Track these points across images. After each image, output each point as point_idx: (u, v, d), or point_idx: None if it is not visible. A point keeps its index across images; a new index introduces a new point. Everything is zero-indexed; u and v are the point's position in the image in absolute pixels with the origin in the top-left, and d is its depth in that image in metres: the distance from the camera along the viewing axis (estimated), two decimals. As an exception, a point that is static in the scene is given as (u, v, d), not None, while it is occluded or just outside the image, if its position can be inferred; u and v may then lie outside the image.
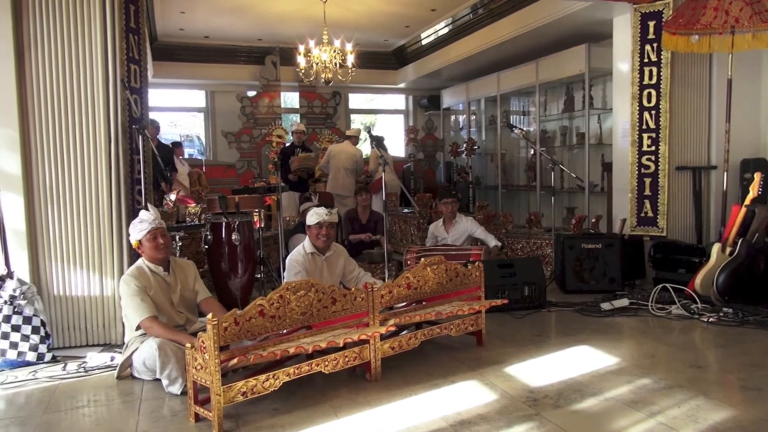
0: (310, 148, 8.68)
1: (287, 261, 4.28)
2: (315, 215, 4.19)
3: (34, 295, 3.85)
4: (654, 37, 5.51)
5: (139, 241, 3.57)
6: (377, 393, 3.16)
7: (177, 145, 8.54)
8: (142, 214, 3.61)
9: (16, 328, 3.73)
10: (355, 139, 8.72)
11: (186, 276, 3.74)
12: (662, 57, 5.50)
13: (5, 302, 3.72)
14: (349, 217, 6.44)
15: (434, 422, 2.79)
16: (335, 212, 4.34)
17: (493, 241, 5.59)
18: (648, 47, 5.57)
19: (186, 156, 9.72)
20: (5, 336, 3.71)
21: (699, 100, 5.61)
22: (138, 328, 3.43)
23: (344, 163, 8.23)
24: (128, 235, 4.08)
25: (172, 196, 5.74)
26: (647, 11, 5.54)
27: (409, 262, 5.22)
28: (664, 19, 5.39)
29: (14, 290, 3.75)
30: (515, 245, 6.26)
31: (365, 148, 12.56)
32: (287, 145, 9.02)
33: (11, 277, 3.81)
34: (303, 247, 4.28)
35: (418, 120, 12.00)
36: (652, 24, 5.53)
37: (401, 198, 8.61)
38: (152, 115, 7.20)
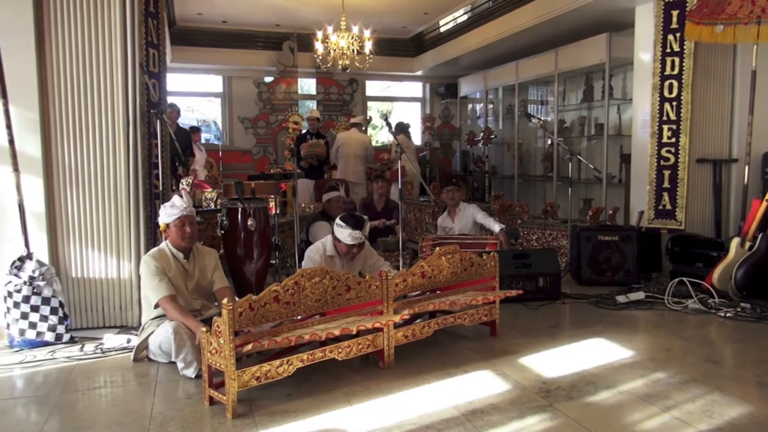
0: (325, 136, 8.67)
1: (306, 254, 4.26)
2: (350, 237, 4.02)
3: (53, 276, 3.90)
4: (677, 26, 5.41)
5: (167, 225, 3.59)
6: (390, 381, 3.17)
7: (195, 130, 8.58)
8: (175, 199, 3.62)
9: (35, 309, 3.79)
10: (360, 126, 8.72)
11: (206, 264, 3.75)
12: (685, 47, 5.40)
13: (24, 283, 3.77)
14: (364, 204, 6.44)
15: (446, 411, 2.79)
16: (367, 228, 4.18)
17: (496, 226, 5.50)
18: (671, 37, 5.47)
19: (203, 141, 9.77)
20: (24, 316, 3.77)
21: (722, 91, 5.51)
22: (156, 306, 3.46)
23: (354, 151, 8.22)
24: (149, 217, 4.14)
25: (189, 180, 5.78)
26: (671, 0, 5.44)
27: (424, 250, 5.21)
28: (688, 9, 5.27)
29: (33, 271, 3.81)
30: (531, 236, 6.22)
31: (382, 135, 12.55)
32: (303, 132, 9.03)
33: (30, 258, 3.86)
34: (324, 247, 4.21)
35: (435, 108, 11.93)
36: (675, 13, 5.43)
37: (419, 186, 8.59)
38: (171, 100, 7.24)
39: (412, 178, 8.17)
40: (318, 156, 8.02)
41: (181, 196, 3.64)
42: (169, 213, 3.58)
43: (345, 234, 4.05)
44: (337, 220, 4.12)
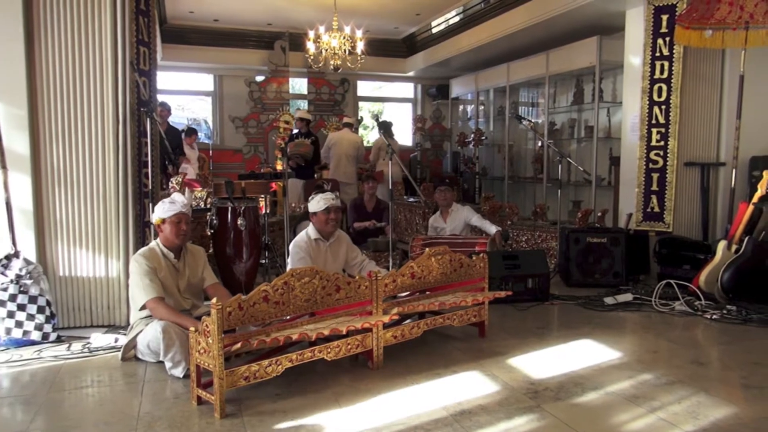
0: (315, 135, 8.65)
1: (291, 247, 4.28)
2: (322, 201, 4.16)
3: (40, 275, 3.88)
4: (667, 30, 5.45)
5: (163, 220, 3.55)
6: (379, 381, 3.17)
7: (191, 132, 8.58)
8: (176, 196, 3.62)
9: (21, 308, 3.76)
10: (352, 126, 8.70)
11: (196, 263, 3.74)
12: (674, 51, 5.45)
13: (11, 281, 3.74)
14: (354, 204, 6.44)
15: (435, 411, 2.80)
16: (337, 194, 4.35)
17: (492, 228, 5.55)
18: (660, 41, 5.52)
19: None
20: (11, 315, 3.74)
21: (710, 95, 5.56)
22: (143, 308, 3.44)
23: (346, 151, 8.22)
24: (138, 216, 4.12)
25: (179, 179, 5.76)
26: (661, 4, 5.48)
27: (414, 251, 5.22)
28: (677, 13, 5.33)
29: (20, 269, 3.78)
30: (520, 237, 6.25)
31: (373, 135, 12.56)
32: (294, 131, 9.03)
33: (17, 257, 3.83)
34: (307, 233, 4.27)
35: (426, 109, 11.95)
36: (665, 17, 5.47)
37: (406, 187, 8.60)
38: (161, 98, 7.21)
39: (396, 178, 8.17)
40: (303, 156, 7.91)
41: (183, 193, 3.64)
42: (167, 209, 3.54)
43: (317, 200, 4.16)
44: (310, 199, 4.25)
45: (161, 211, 3.56)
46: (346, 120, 8.95)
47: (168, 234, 3.56)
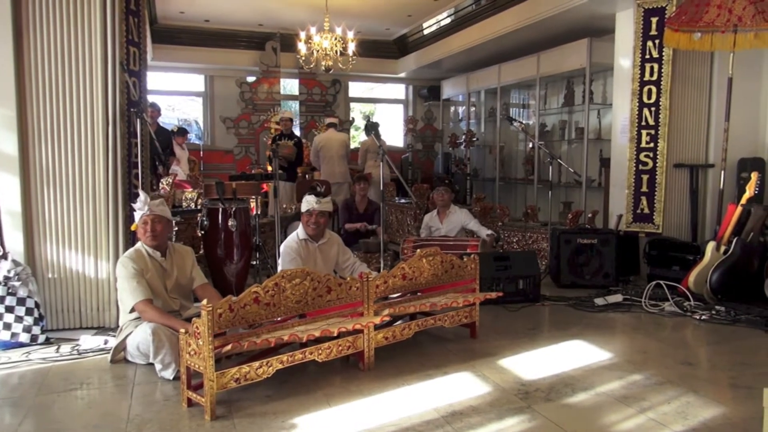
0: (297, 137, 8.57)
1: (281, 248, 4.28)
2: (305, 203, 4.20)
3: (29, 277, 3.85)
4: (656, 33, 5.49)
5: (137, 225, 3.59)
6: (370, 382, 3.17)
7: (182, 132, 8.53)
8: (140, 197, 3.61)
9: (9, 309, 3.73)
10: (336, 126, 8.67)
11: (184, 263, 3.72)
12: (664, 54, 5.48)
13: (-1, 283, 3.72)
14: (346, 205, 6.43)
15: (426, 413, 2.80)
16: (328, 200, 4.31)
17: (485, 231, 5.56)
18: (650, 43, 5.55)
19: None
20: (-1, 317, 3.71)
21: (699, 98, 5.60)
22: (132, 310, 3.43)
23: (337, 151, 8.20)
24: (128, 217, 4.12)
25: (169, 180, 5.73)
26: (650, 7, 5.52)
27: (405, 252, 5.22)
28: (666, 16, 5.36)
29: (8, 271, 3.75)
30: (511, 238, 6.27)
31: (364, 137, 12.57)
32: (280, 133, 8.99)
33: (6, 258, 3.80)
34: (297, 234, 4.28)
35: (418, 110, 11.96)
36: (654, 20, 5.51)
37: (397, 188, 8.60)
38: (151, 99, 7.17)
39: (384, 180, 8.14)
40: (286, 157, 7.84)
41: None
42: (137, 214, 3.59)
43: (304, 201, 4.22)
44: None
45: (136, 217, 3.61)
46: (329, 120, 8.89)
47: (141, 237, 3.59)
